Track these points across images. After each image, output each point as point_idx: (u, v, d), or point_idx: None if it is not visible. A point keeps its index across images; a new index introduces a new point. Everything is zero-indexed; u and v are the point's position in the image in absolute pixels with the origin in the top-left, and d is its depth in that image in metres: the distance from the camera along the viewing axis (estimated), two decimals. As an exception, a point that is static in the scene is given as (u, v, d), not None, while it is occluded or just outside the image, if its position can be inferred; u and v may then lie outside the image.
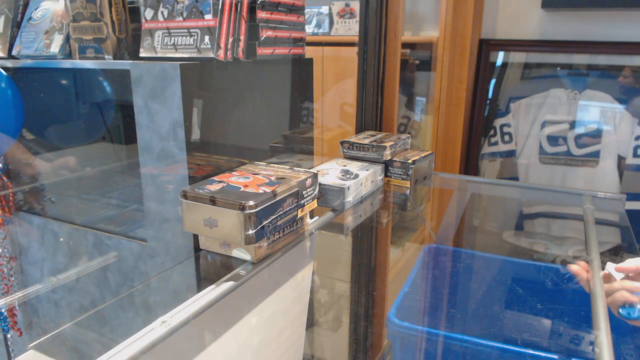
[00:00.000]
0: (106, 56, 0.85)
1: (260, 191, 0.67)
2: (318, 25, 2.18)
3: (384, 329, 1.26)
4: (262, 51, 0.84)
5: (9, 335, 1.09)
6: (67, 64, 0.90)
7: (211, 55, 0.74)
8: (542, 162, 1.85)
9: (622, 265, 0.68)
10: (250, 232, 0.64)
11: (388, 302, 1.21)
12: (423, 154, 1.16)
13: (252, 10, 0.81)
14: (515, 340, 0.90)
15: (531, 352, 0.76)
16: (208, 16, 0.75)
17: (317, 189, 0.78)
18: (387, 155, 1.10)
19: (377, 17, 1.27)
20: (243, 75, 0.83)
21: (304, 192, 0.74)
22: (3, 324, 1.07)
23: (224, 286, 0.63)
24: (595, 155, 1.77)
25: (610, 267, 0.69)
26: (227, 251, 0.71)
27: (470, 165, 1.99)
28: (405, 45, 1.95)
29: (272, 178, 0.73)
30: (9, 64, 0.96)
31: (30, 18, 0.96)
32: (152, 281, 0.81)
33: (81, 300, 0.97)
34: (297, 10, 0.92)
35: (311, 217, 0.83)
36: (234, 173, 0.76)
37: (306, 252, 0.81)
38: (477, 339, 0.80)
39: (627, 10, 1.70)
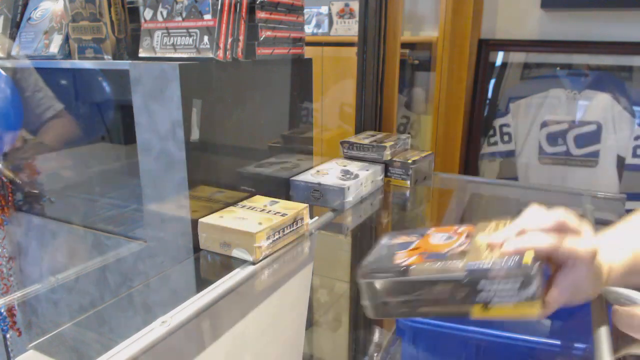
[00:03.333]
0: (105, 56, 0.85)
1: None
2: (317, 25, 2.18)
3: (384, 328, 1.26)
4: (262, 51, 0.84)
5: (8, 335, 1.09)
6: (67, 64, 0.90)
7: (210, 55, 0.74)
8: (542, 162, 1.85)
9: None
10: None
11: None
12: (423, 154, 1.16)
13: (251, 10, 0.81)
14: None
15: (538, 339, 0.75)
16: (207, 16, 0.75)
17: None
18: (387, 155, 1.10)
19: (376, 17, 1.27)
20: (242, 76, 0.83)
21: None
22: (2, 324, 1.07)
23: (224, 286, 0.63)
24: (595, 155, 1.77)
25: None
26: (227, 251, 0.71)
27: (469, 165, 1.99)
28: (404, 45, 1.95)
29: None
30: (9, 64, 0.96)
31: (29, 18, 0.96)
32: (152, 281, 0.81)
33: (81, 300, 0.97)
34: (296, 10, 0.92)
35: (311, 217, 0.83)
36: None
37: (306, 252, 0.81)
38: (490, 329, 0.79)
39: (627, 10, 1.70)
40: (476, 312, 0.53)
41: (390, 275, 0.57)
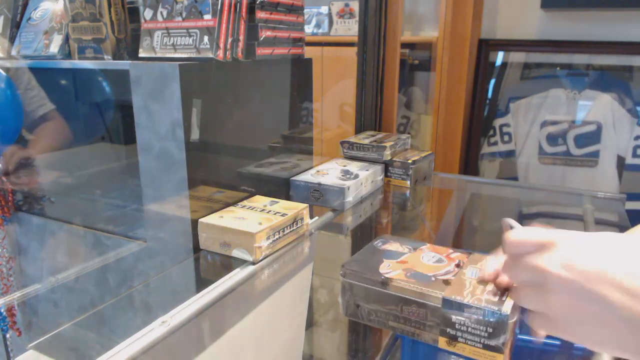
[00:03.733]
0: (105, 56, 0.85)
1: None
2: (317, 25, 2.18)
3: (383, 330, 1.26)
4: (262, 51, 0.84)
5: (8, 335, 1.09)
6: (67, 64, 0.90)
7: (210, 55, 0.74)
8: (542, 162, 1.85)
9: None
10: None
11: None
12: (423, 154, 1.16)
13: (251, 10, 0.81)
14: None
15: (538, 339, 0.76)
16: (207, 16, 0.75)
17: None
18: (387, 155, 1.10)
19: (376, 17, 1.27)
20: (242, 76, 0.83)
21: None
22: (2, 324, 1.07)
23: (224, 286, 0.63)
24: (595, 155, 1.77)
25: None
26: (227, 251, 0.71)
27: (469, 165, 1.99)
28: (404, 45, 1.95)
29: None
30: (9, 64, 0.96)
31: (29, 18, 0.96)
32: (152, 281, 0.81)
33: (81, 300, 0.97)
34: (296, 10, 0.92)
35: (311, 217, 0.83)
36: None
37: (306, 252, 0.81)
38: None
39: (627, 10, 1.70)
40: (442, 344, 0.53)
41: (369, 282, 0.57)
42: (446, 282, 0.55)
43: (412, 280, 0.56)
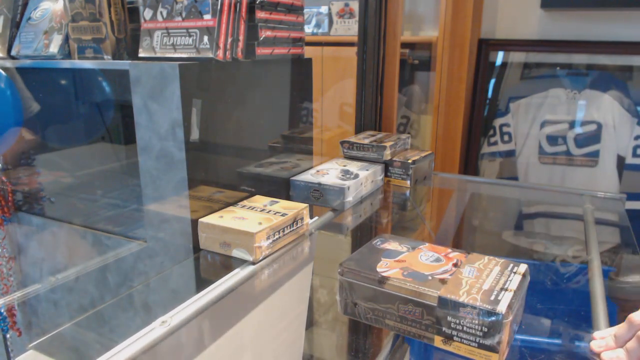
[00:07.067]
0: (105, 56, 0.85)
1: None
2: (317, 25, 2.18)
3: (384, 329, 1.26)
4: (261, 51, 0.84)
5: (8, 335, 1.09)
6: (66, 64, 0.90)
7: (210, 55, 0.74)
8: (542, 162, 1.85)
9: None
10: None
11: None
12: (423, 154, 1.16)
13: (251, 10, 0.81)
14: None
15: (538, 339, 0.76)
16: (207, 16, 0.75)
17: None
18: (387, 155, 1.10)
19: (376, 17, 1.27)
20: (242, 76, 0.83)
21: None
22: (2, 324, 1.07)
23: (224, 286, 0.63)
24: (595, 155, 1.77)
25: None
26: (227, 251, 0.71)
27: (469, 165, 1.99)
28: (404, 45, 1.95)
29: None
30: (8, 64, 0.96)
31: (29, 18, 0.95)
32: (152, 281, 0.81)
33: (80, 300, 0.97)
34: (296, 10, 0.92)
35: (311, 217, 0.83)
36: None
37: (306, 252, 0.81)
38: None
39: (627, 10, 1.70)
40: (437, 343, 0.53)
41: (366, 281, 0.58)
42: (442, 281, 0.55)
43: (408, 279, 0.56)
